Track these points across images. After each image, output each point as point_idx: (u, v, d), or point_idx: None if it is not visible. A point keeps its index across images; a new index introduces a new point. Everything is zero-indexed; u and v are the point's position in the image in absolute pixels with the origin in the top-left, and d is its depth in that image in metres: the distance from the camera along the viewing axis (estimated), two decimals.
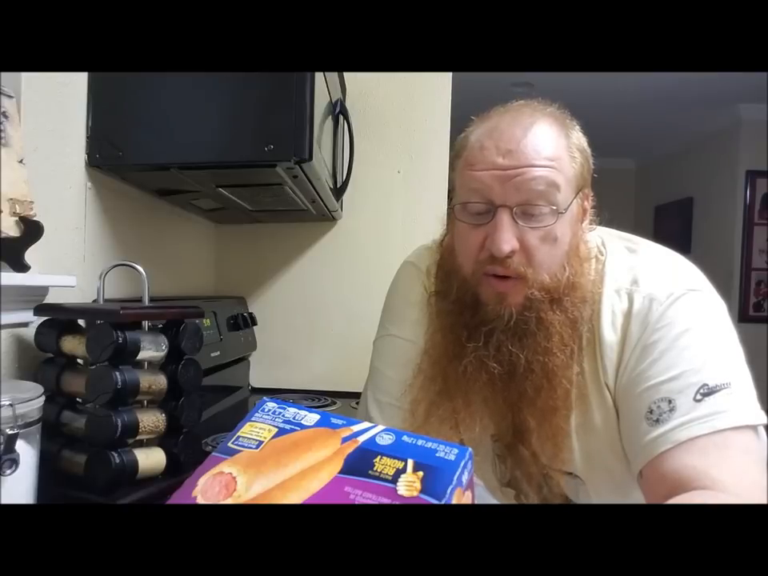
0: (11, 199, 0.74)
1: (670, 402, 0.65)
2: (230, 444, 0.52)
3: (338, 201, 1.44)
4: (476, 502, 0.50)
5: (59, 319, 0.78)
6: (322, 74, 1.02)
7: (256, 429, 0.53)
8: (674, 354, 0.66)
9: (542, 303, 0.69)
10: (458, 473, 0.45)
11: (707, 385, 0.64)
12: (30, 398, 0.61)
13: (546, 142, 0.68)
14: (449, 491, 0.44)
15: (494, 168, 0.67)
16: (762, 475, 0.61)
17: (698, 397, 0.64)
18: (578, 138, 0.72)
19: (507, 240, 0.66)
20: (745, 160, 3.93)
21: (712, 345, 0.67)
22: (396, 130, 1.58)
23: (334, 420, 0.53)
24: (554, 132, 0.69)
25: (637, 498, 0.71)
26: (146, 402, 0.75)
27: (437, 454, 0.47)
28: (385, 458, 0.47)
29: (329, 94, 1.16)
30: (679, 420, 0.63)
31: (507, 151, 0.67)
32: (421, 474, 0.45)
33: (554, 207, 0.67)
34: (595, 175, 0.74)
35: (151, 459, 0.74)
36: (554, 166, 0.67)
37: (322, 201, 1.30)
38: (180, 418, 0.76)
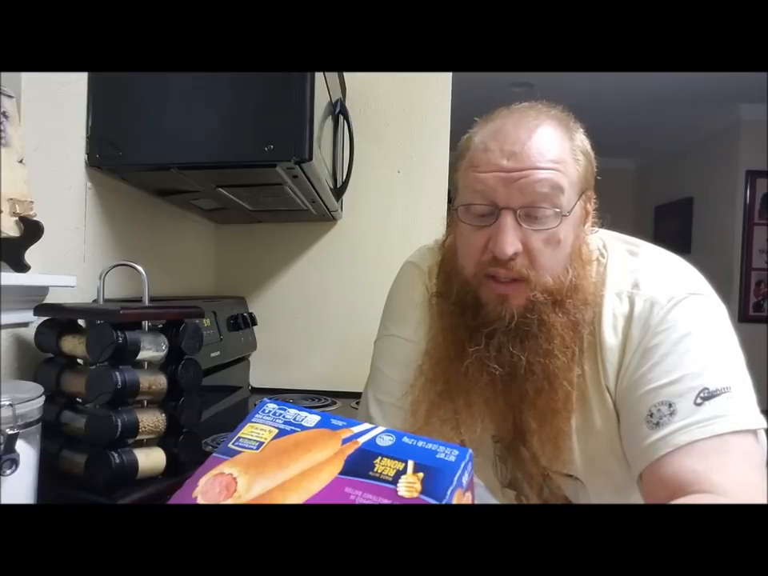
0: (11, 199, 0.74)
1: (670, 405, 0.65)
2: (230, 445, 0.52)
3: (338, 201, 1.44)
4: (476, 503, 0.50)
5: (59, 319, 0.78)
6: (322, 73, 1.02)
7: (256, 430, 0.53)
8: (675, 358, 0.66)
9: (545, 305, 0.68)
10: (458, 474, 0.45)
11: (708, 389, 0.64)
12: (30, 398, 0.61)
13: (551, 145, 0.68)
14: (449, 492, 0.44)
15: (498, 170, 0.67)
16: (762, 479, 0.61)
17: (699, 401, 0.64)
18: (582, 140, 0.71)
19: (510, 242, 0.66)
20: (745, 160, 3.93)
21: (713, 349, 0.67)
22: (396, 129, 1.58)
23: (334, 421, 0.53)
24: (558, 134, 0.69)
25: (637, 500, 0.71)
26: (146, 402, 0.75)
27: (437, 456, 0.47)
28: (385, 459, 0.47)
29: (329, 94, 1.16)
30: (679, 424, 0.63)
31: (511, 153, 0.67)
32: (421, 475, 0.45)
33: (558, 210, 0.67)
34: (598, 177, 0.74)
35: (151, 459, 0.74)
36: (558, 168, 0.67)
37: (322, 201, 1.30)
38: (180, 418, 0.76)
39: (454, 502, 0.44)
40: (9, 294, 0.74)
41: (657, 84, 3.41)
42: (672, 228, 4.71)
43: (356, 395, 1.02)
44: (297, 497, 0.45)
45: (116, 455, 0.69)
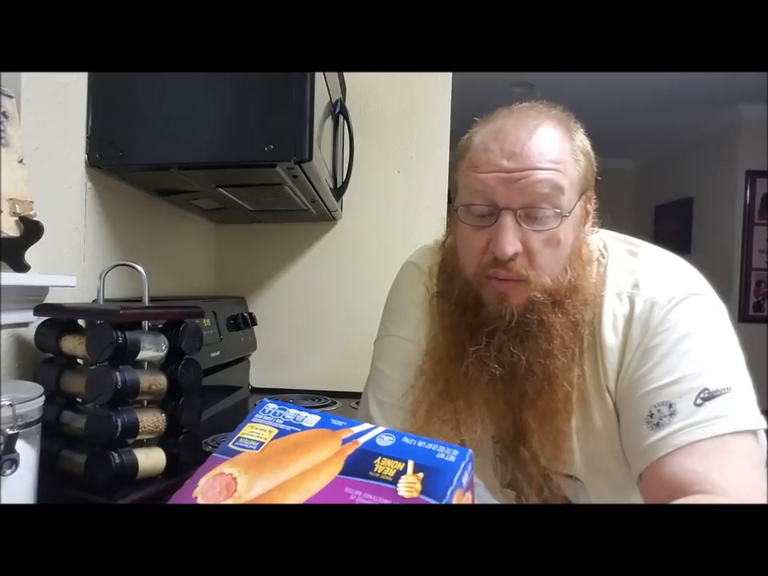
0: (11, 199, 0.74)
1: (670, 405, 0.65)
2: (230, 445, 0.52)
3: (338, 201, 1.44)
4: (476, 503, 0.50)
5: (59, 319, 0.78)
6: (322, 73, 1.02)
7: (256, 430, 0.53)
8: (675, 358, 0.66)
9: (544, 305, 0.68)
10: (458, 474, 0.45)
11: (708, 389, 0.64)
12: (30, 398, 0.61)
13: (551, 145, 0.68)
14: (449, 492, 0.44)
15: (498, 170, 0.67)
16: (762, 480, 0.61)
17: (699, 401, 0.64)
18: (582, 140, 0.71)
19: (511, 243, 0.66)
20: (745, 160, 3.93)
21: (713, 349, 0.67)
22: (396, 129, 1.58)
23: (334, 421, 0.53)
24: (558, 134, 0.69)
25: (637, 500, 0.71)
26: (146, 402, 0.75)
27: (437, 456, 0.47)
28: (385, 459, 0.47)
29: (329, 94, 1.16)
30: (680, 424, 0.63)
31: (512, 153, 0.67)
32: (421, 475, 0.45)
33: (558, 210, 0.67)
34: (598, 177, 0.74)
35: (151, 459, 0.74)
36: (558, 168, 0.67)
37: (322, 201, 1.30)
38: (180, 418, 0.76)
39: (454, 502, 0.44)
40: (9, 294, 0.74)
41: (657, 84, 3.41)
42: (672, 228, 4.71)
43: (356, 395, 1.02)
44: (297, 497, 0.45)
45: (116, 455, 0.69)
